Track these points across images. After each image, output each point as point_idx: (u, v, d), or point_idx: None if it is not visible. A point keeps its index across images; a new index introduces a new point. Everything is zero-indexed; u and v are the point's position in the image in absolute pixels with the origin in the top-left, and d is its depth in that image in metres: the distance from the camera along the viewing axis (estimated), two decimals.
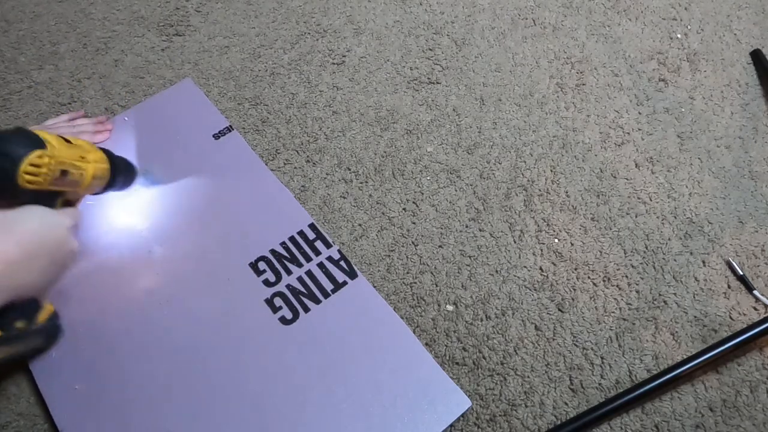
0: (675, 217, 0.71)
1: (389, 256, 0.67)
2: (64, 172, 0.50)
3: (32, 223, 0.49)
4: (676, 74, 0.85)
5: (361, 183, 0.72)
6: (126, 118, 0.76)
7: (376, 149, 0.75)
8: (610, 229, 0.70)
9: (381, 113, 0.79)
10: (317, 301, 0.62)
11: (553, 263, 0.67)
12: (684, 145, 0.77)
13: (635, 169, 0.75)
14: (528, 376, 0.60)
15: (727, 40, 0.89)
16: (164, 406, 0.56)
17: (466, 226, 0.69)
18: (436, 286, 0.65)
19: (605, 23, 0.90)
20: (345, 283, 0.64)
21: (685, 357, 0.60)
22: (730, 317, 0.64)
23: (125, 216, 0.68)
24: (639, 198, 0.72)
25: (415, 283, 0.65)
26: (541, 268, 0.67)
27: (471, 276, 0.66)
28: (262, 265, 0.64)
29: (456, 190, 0.72)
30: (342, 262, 0.65)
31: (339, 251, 0.66)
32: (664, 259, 0.68)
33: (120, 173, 0.60)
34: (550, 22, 0.90)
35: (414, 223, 0.70)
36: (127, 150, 0.71)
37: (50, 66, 0.83)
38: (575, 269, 0.67)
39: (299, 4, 0.91)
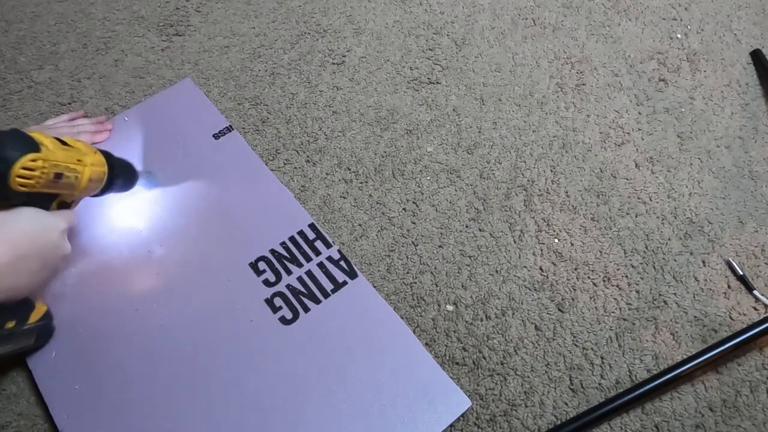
0: (675, 217, 0.71)
1: (389, 256, 0.67)
2: (58, 175, 0.50)
3: (23, 225, 0.49)
4: (676, 74, 0.85)
5: (361, 183, 0.72)
6: (126, 118, 0.76)
7: (376, 149, 0.75)
8: (610, 229, 0.70)
9: (381, 113, 0.79)
10: (317, 301, 0.62)
11: (553, 263, 0.67)
12: (684, 145, 0.77)
13: (635, 169, 0.75)
14: (528, 376, 0.60)
15: (727, 40, 0.89)
16: (164, 405, 0.56)
17: (466, 226, 0.69)
18: (436, 286, 0.65)
19: (605, 23, 0.90)
20: (345, 283, 0.64)
21: (685, 357, 0.60)
22: (730, 317, 0.64)
23: (125, 216, 0.68)
24: (639, 198, 0.72)
25: (415, 283, 0.65)
26: (541, 268, 0.67)
27: (471, 276, 0.66)
28: (262, 265, 0.64)
29: (456, 190, 0.72)
30: (342, 262, 0.65)
31: (339, 251, 0.66)
32: (664, 259, 0.68)
33: (119, 176, 0.59)
34: (550, 22, 0.90)
35: (414, 223, 0.70)
36: (126, 150, 0.71)
37: (50, 66, 0.83)
38: (575, 269, 0.67)
39: (299, 4, 0.91)
